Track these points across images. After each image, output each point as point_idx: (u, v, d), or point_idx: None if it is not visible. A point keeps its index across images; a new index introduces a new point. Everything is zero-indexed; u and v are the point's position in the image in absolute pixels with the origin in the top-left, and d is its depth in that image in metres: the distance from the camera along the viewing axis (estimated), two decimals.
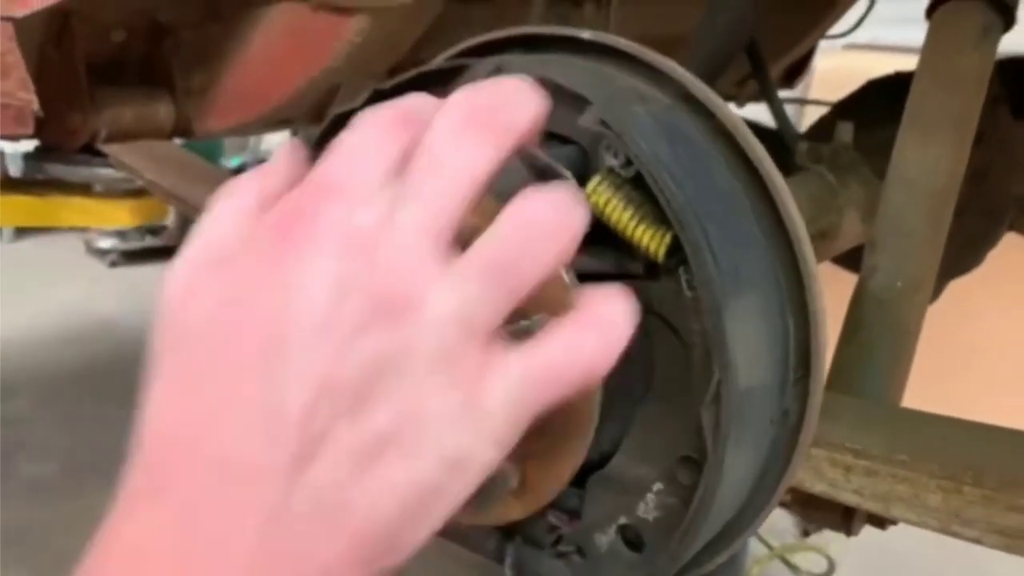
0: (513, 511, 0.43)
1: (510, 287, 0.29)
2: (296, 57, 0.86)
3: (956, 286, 1.31)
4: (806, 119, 2.71)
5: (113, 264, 4.64)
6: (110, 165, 1.28)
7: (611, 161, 0.39)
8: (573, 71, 0.43)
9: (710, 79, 0.90)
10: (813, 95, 3.04)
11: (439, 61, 0.49)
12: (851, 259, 0.97)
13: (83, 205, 2.46)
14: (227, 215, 0.31)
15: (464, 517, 0.43)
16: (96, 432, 2.97)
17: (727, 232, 0.40)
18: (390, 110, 0.31)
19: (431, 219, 0.29)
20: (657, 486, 0.43)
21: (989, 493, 0.49)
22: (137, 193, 2.45)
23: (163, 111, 0.93)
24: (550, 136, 0.42)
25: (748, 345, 0.40)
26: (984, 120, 1.04)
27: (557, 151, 0.41)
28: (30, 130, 0.73)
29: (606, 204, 0.39)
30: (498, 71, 0.43)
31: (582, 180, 0.40)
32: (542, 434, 0.40)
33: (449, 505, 0.30)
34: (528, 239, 0.30)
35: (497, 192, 0.38)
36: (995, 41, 0.72)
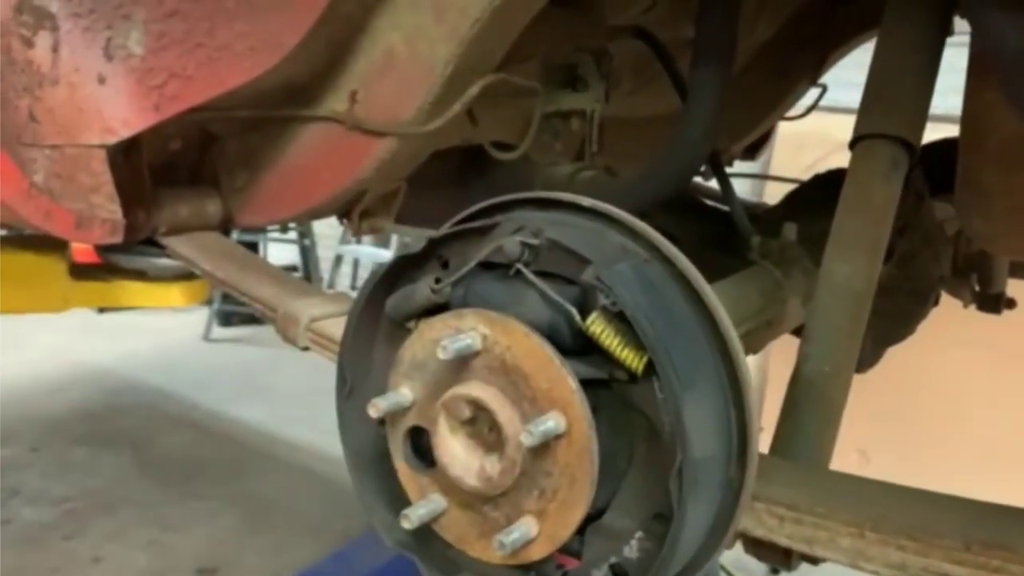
0: (533, 553, 0.58)
1: None
2: (329, 169, 0.99)
3: None
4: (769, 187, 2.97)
5: (101, 310, 4.72)
6: (163, 254, 1.42)
7: (603, 301, 0.56)
8: (576, 232, 0.59)
9: (681, 187, 1.07)
10: (778, 154, 3.35)
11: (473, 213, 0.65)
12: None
13: (141, 289, 2.80)
14: None
15: (500, 559, 0.58)
16: (87, 476, 3.07)
17: (684, 351, 0.56)
18: None
19: None
20: (638, 534, 0.59)
21: (884, 537, 0.65)
22: (183, 277, 2.80)
23: (212, 207, 1.08)
24: (558, 278, 0.59)
25: (701, 431, 0.56)
26: (910, 215, 1.23)
27: (564, 290, 0.58)
28: (120, 239, 0.86)
29: (601, 332, 0.55)
30: (520, 230, 0.59)
31: (582, 309, 0.57)
32: (555, 497, 0.56)
33: None
34: None
35: (521, 318, 0.55)
36: (902, 173, 0.90)
